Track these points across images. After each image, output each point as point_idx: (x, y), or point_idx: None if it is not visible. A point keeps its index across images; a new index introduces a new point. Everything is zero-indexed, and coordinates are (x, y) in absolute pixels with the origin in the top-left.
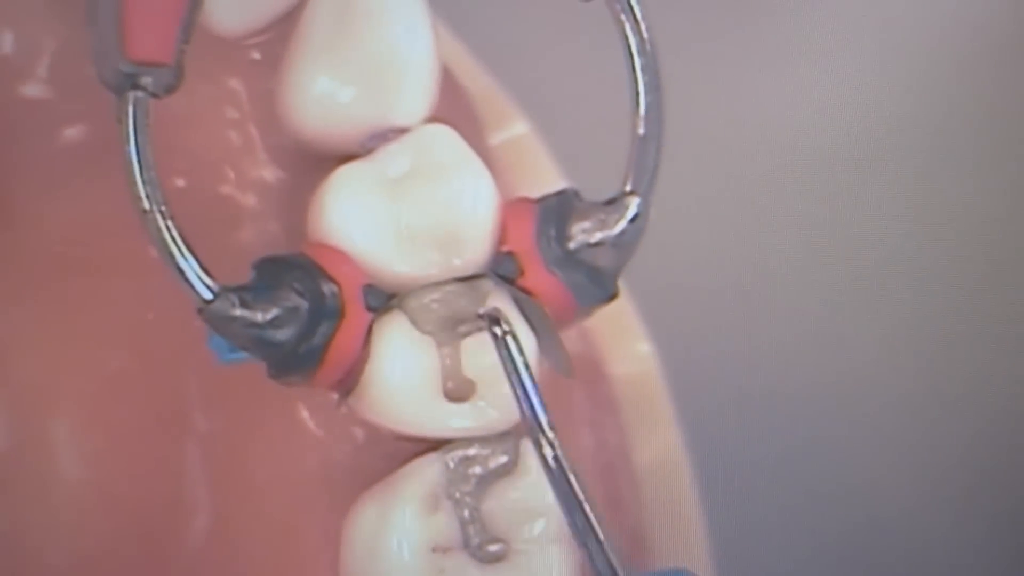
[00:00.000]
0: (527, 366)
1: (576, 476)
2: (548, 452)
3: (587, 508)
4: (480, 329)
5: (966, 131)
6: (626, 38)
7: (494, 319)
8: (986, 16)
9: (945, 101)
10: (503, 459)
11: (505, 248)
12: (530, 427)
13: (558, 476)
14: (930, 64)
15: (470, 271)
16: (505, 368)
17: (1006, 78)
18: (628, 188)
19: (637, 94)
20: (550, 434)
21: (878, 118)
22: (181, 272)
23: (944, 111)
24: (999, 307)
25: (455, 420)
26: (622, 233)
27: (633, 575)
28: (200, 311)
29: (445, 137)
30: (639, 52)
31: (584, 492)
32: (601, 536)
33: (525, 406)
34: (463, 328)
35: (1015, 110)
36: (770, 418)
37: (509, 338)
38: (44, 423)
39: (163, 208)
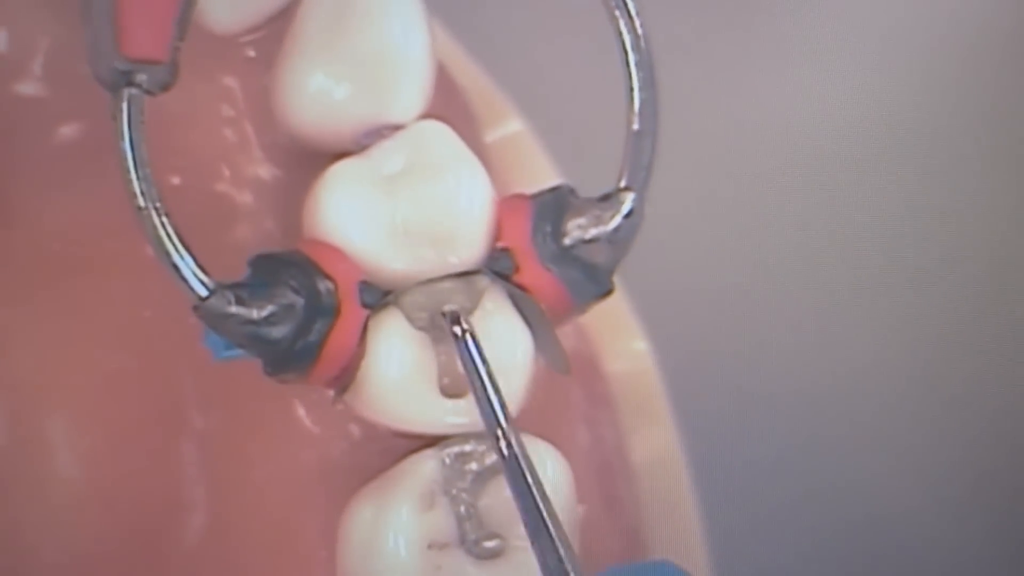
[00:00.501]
0: (485, 363)
1: (532, 473)
2: (504, 448)
3: (541, 506)
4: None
5: (966, 131)
6: (620, 35)
7: (454, 318)
8: (987, 16)
9: (945, 101)
10: None
11: (500, 244)
12: (487, 423)
13: (514, 472)
14: (930, 64)
15: (465, 268)
16: (464, 365)
17: (1007, 78)
18: (623, 184)
19: (632, 90)
20: (507, 430)
21: (878, 118)
22: (177, 269)
23: (944, 111)
24: (999, 307)
25: (451, 416)
26: (617, 229)
27: (586, 574)
28: (196, 308)
29: (440, 134)
30: (633, 48)
31: (539, 489)
32: (554, 535)
33: (483, 402)
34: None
35: (1015, 110)
36: (768, 416)
37: (468, 337)
38: (41, 421)
39: (158, 205)
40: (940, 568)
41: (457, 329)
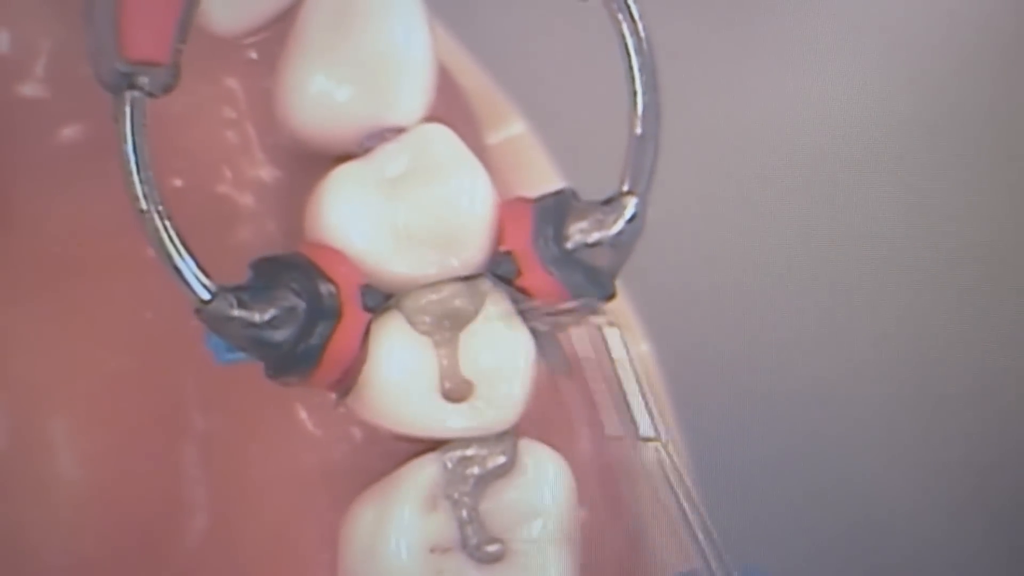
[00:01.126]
0: (634, 366)
1: (682, 477)
2: (662, 452)
3: (688, 508)
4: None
5: (966, 131)
6: (623, 38)
7: (592, 309)
8: (987, 16)
9: (945, 101)
10: (501, 459)
11: (502, 248)
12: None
13: (670, 475)
14: (930, 64)
15: (468, 271)
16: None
17: (1006, 78)
18: (625, 188)
19: (634, 93)
20: (664, 437)
21: (878, 118)
22: (178, 272)
23: (944, 111)
24: (999, 307)
25: (453, 420)
26: (620, 233)
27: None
28: (198, 311)
29: (442, 137)
30: (636, 51)
31: (686, 492)
32: (700, 537)
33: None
34: (458, 321)
35: (1015, 110)
36: (769, 417)
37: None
38: (43, 423)
39: (160, 208)
40: (939, 568)
41: (600, 320)
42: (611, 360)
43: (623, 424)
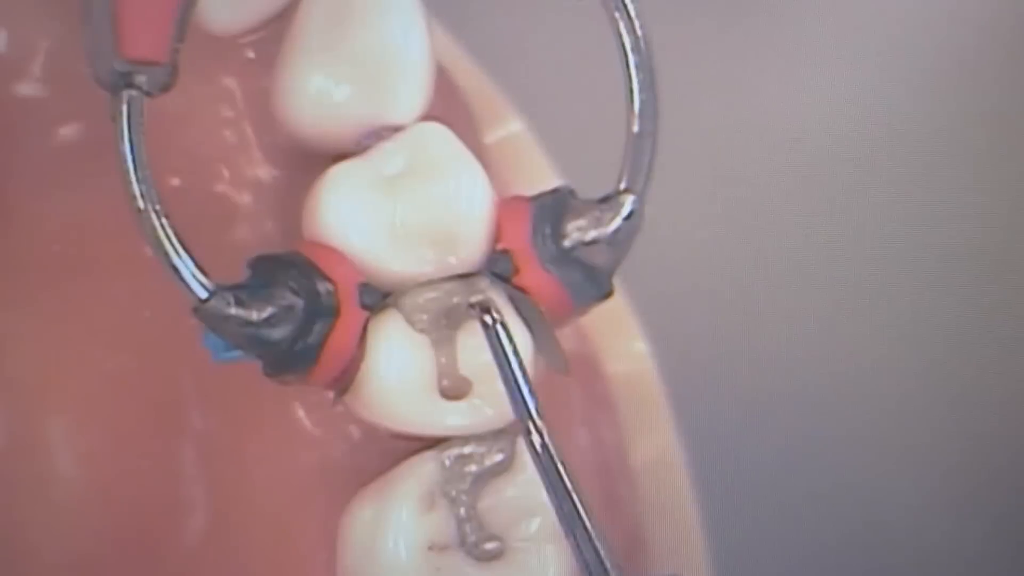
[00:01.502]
0: (516, 354)
1: (564, 464)
2: (536, 440)
3: (574, 496)
4: (471, 318)
5: (967, 131)
6: (620, 36)
7: (484, 308)
8: (987, 16)
9: (946, 100)
10: (499, 457)
11: (500, 246)
12: (519, 415)
13: (546, 464)
14: (931, 64)
15: (465, 269)
16: (495, 356)
17: (1007, 78)
18: (623, 186)
19: (632, 92)
20: (538, 422)
21: (879, 118)
22: (176, 271)
23: (945, 111)
24: (1000, 307)
25: (451, 418)
26: (617, 231)
27: (620, 566)
28: (195, 310)
29: (440, 135)
30: (633, 50)
31: (572, 481)
32: (588, 525)
33: (514, 394)
34: (456, 319)
35: (1015, 110)
36: (768, 417)
37: (499, 327)
38: (41, 421)
39: (158, 207)
40: (940, 568)
41: (487, 319)
42: (502, 354)
43: (516, 412)
